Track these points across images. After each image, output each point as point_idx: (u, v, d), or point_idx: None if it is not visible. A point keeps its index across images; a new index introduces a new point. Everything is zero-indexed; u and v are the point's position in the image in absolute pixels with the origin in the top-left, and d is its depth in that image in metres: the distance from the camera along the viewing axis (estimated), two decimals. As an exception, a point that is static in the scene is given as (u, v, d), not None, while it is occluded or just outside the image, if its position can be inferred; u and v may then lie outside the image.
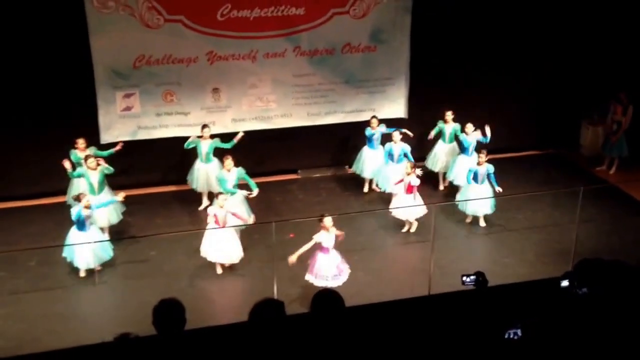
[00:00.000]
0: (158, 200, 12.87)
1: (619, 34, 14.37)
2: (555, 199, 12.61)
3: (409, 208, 11.38)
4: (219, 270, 10.51)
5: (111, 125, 12.63)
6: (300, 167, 14.12)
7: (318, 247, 9.50)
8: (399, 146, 12.49)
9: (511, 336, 5.36)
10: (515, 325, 5.38)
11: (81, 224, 10.00)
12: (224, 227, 10.17)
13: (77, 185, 11.06)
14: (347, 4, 13.07)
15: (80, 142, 11.32)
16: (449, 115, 12.99)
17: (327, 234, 9.43)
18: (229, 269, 10.52)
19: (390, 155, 12.54)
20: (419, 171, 11.56)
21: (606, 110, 14.42)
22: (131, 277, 10.41)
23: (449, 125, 13.05)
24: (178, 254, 10.94)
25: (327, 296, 5.08)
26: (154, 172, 13.13)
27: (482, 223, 11.91)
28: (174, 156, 12.77)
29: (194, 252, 10.65)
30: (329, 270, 9.47)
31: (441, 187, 13.47)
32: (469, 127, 12.61)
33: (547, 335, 5.38)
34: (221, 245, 10.20)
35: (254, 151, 13.13)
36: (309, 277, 9.56)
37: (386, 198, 12.41)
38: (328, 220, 9.43)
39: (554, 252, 11.00)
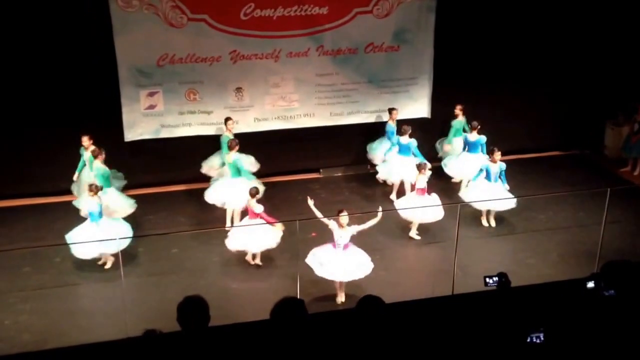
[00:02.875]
0: (180, 198, 12.96)
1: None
2: (579, 200, 12.52)
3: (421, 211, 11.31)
4: (259, 262, 10.65)
5: (135, 124, 12.71)
6: (323, 167, 14.13)
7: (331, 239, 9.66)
8: (406, 139, 12.47)
9: (534, 340, 5.32)
10: (537, 329, 5.33)
11: (98, 214, 10.18)
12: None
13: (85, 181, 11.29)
14: (371, 3, 13.04)
15: (85, 140, 11.49)
16: (459, 109, 13.21)
17: (340, 230, 9.51)
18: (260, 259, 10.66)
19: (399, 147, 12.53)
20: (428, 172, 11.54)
21: (632, 111, 14.26)
22: (154, 274, 10.49)
23: (458, 120, 13.25)
24: (200, 252, 11.03)
25: (370, 300, 5.14)
26: (177, 170, 13.20)
27: (493, 223, 11.88)
28: (197, 154, 12.82)
29: (216, 249, 10.73)
30: (325, 258, 9.56)
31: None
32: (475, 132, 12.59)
33: (571, 337, 5.34)
34: (258, 234, 10.32)
35: (276, 150, 13.17)
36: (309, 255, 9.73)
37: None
38: (344, 219, 9.48)
39: (577, 253, 10.93)
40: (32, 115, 12.16)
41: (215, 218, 12.07)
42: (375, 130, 13.61)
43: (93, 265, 10.44)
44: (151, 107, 12.72)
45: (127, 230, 10.44)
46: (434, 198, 11.39)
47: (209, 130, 12.98)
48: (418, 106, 14.00)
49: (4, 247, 10.75)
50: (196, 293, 5.25)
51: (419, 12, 13.33)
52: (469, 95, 13.60)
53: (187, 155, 12.99)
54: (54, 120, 12.20)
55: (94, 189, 10.23)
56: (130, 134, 12.73)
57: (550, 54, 14.28)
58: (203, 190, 12.82)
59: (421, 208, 11.21)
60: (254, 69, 12.96)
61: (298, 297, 6.72)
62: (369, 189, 13.40)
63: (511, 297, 6.39)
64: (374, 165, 13.40)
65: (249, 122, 13.25)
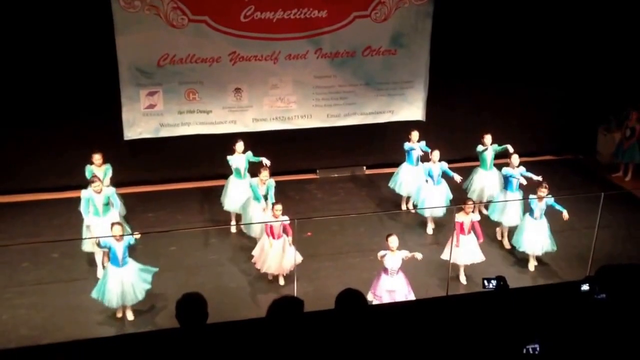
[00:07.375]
0: (179, 197, 13.04)
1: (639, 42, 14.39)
2: (571, 204, 12.53)
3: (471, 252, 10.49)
4: (270, 277, 10.35)
5: (134, 123, 12.81)
6: (319, 167, 14.26)
7: (382, 267, 9.24)
8: (437, 166, 11.62)
9: (530, 352, 5.30)
10: (533, 340, 5.32)
11: (114, 259, 9.09)
12: (278, 238, 9.99)
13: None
14: (369, 7, 13.17)
15: (97, 158, 10.85)
16: (488, 138, 12.07)
17: (391, 256, 9.14)
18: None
19: (430, 176, 11.68)
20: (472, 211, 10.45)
21: (624, 117, 14.40)
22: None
23: (489, 151, 12.09)
24: (198, 250, 11.13)
25: (350, 295, 5.15)
26: (175, 169, 13.31)
27: (532, 266, 10.96)
28: (195, 153, 12.95)
29: (214, 247, 10.80)
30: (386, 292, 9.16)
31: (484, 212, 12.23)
32: (515, 158, 11.46)
33: (566, 341, 5.36)
34: (277, 257, 9.97)
35: (273, 151, 13.23)
36: (369, 295, 9.19)
37: (420, 219, 12.13)
38: (392, 240, 9.12)
39: (570, 257, 11.04)
40: (32, 113, 12.23)
41: (213, 216, 12.18)
42: (372, 132, 13.77)
43: (91, 261, 10.52)
44: (151, 106, 12.82)
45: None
46: (473, 240, 10.45)
47: (208, 130, 13.11)
48: (413, 109, 14.15)
49: (3, 243, 10.85)
50: (194, 290, 5.32)
51: (416, 16, 13.46)
52: (463, 100, 13.75)
53: (186, 154, 13.11)
54: (53, 118, 12.29)
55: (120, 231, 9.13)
56: (130, 133, 12.82)
57: (544, 59, 14.41)
58: (201, 188, 13.00)
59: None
60: (253, 71, 13.06)
61: (295, 295, 6.77)
62: (365, 190, 13.52)
63: (506, 298, 6.41)
64: (415, 206, 12.30)
65: (247, 123, 13.36)
